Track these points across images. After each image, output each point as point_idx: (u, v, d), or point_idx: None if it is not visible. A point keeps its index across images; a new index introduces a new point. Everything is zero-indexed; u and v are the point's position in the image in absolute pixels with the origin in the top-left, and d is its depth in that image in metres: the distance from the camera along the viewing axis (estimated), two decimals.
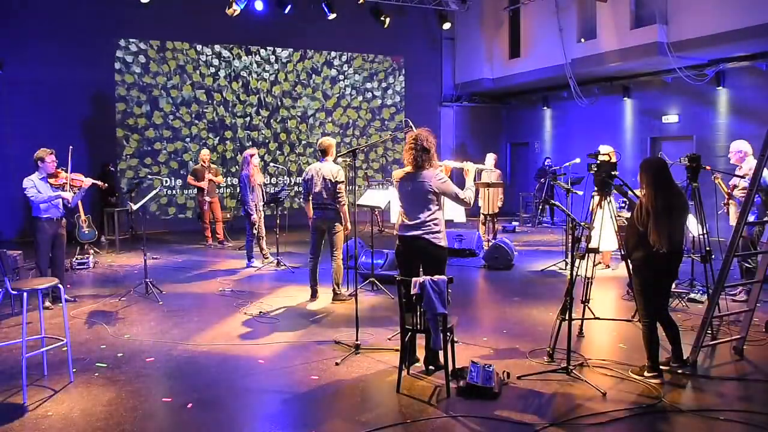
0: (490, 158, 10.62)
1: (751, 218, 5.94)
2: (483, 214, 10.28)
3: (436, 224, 4.49)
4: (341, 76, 14.85)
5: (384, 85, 15.32)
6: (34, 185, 6.27)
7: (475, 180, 5.06)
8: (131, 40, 12.81)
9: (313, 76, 14.55)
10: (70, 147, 6.80)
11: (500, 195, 10.40)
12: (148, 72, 12.98)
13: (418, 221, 4.49)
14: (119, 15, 12.44)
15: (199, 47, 13.41)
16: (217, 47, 13.56)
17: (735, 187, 6.57)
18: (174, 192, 13.33)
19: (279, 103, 14.25)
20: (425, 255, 4.50)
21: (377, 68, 15.23)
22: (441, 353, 4.24)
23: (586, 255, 5.00)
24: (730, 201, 6.61)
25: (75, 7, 12.15)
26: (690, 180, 5.78)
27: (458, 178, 5.21)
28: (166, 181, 13.16)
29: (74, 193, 6.57)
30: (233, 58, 13.75)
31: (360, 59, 15.03)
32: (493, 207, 10.18)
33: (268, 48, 14.06)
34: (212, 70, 13.57)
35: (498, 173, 10.43)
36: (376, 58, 15.19)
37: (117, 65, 12.72)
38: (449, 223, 9.12)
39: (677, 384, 4.29)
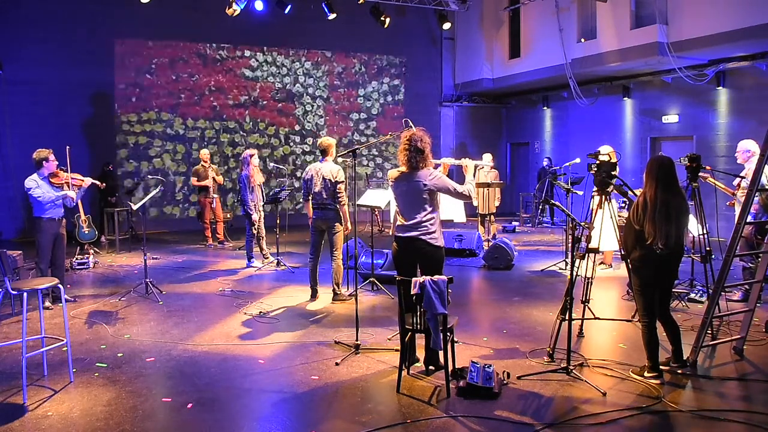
0: (487, 158, 10.60)
1: (748, 219, 5.92)
2: (479, 214, 10.30)
3: (432, 224, 4.46)
4: (341, 76, 14.85)
5: (384, 84, 15.33)
6: (38, 185, 6.27)
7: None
8: (131, 40, 12.80)
9: (313, 75, 14.55)
10: (67, 147, 6.82)
11: (497, 195, 10.41)
12: (147, 72, 12.98)
13: (414, 222, 4.46)
14: (118, 15, 12.43)
15: (198, 47, 13.41)
16: (216, 47, 13.56)
17: (739, 186, 6.53)
18: (170, 191, 13.33)
19: (279, 103, 14.25)
20: (422, 256, 4.48)
21: (378, 67, 15.23)
22: (441, 353, 4.24)
23: (586, 255, 5.00)
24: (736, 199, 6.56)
25: (74, 7, 12.14)
26: (690, 180, 5.78)
27: (458, 178, 5.21)
28: (168, 178, 13.15)
29: (75, 192, 6.58)
30: (233, 58, 13.74)
31: (360, 59, 15.02)
32: (490, 207, 10.20)
33: (268, 48, 14.05)
34: (212, 69, 13.56)
35: (496, 173, 10.44)
36: (375, 58, 15.19)
37: (116, 65, 12.71)
38: (449, 223, 9.12)
39: (677, 384, 4.29)
